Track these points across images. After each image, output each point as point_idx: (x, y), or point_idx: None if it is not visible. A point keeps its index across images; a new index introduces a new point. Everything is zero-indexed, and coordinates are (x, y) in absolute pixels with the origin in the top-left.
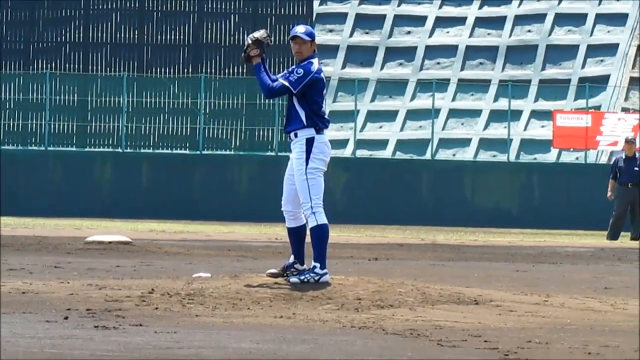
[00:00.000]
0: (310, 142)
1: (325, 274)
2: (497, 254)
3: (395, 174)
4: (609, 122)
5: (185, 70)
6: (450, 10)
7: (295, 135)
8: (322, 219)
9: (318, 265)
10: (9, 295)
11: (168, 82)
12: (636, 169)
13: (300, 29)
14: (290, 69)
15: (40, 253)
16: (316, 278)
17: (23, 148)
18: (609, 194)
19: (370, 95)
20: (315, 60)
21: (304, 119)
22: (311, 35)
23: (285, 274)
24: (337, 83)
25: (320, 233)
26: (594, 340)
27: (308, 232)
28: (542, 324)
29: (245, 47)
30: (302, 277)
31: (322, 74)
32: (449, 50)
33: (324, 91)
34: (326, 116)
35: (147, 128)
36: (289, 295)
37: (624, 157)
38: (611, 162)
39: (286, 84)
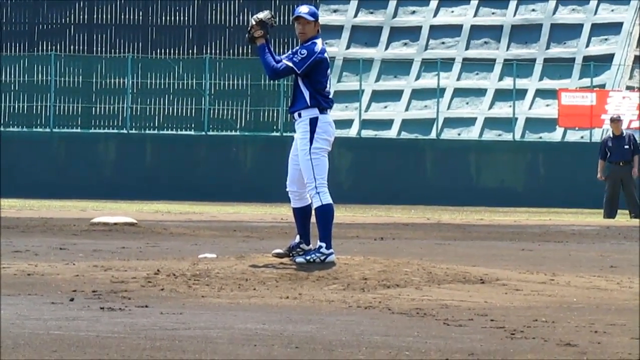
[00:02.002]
0: (314, 122)
1: (331, 253)
2: (503, 233)
3: (400, 154)
4: (613, 101)
5: (190, 51)
6: None
7: (299, 116)
8: (327, 199)
9: (324, 245)
10: (14, 277)
11: (172, 63)
12: (626, 147)
13: (303, 9)
14: (294, 50)
15: (46, 235)
16: (322, 258)
17: (28, 130)
18: (598, 175)
19: (375, 75)
20: (319, 41)
21: (307, 99)
22: (315, 16)
23: (291, 254)
24: (342, 63)
25: (325, 213)
26: (600, 318)
27: (313, 212)
28: (548, 302)
29: (249, 28)
30: (308, 257)
31: (325, 54)
32: (454, 30)
33: (328, 71)
34: (330, 96)
35: (152, 109)
36: (295, 275)
37: (612, 136)
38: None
39: (290, 64)
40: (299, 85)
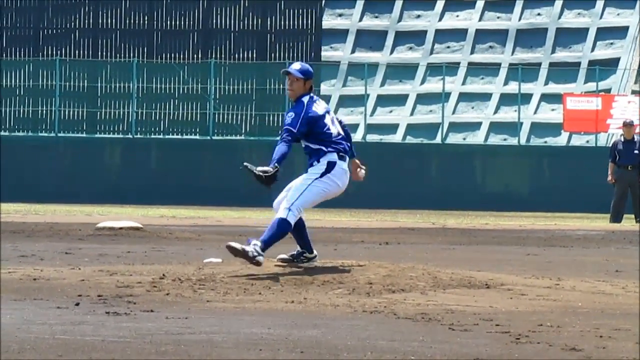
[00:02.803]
0: (331, 165)
1: (261, 255)
2: (508, 237)
3: (405, 158)
4: (619, 105)
5: (195, 55)
6: None
7: (318, 162)
8: (292, 219)
9: (259, 244)
10: (20, 282)
11: (178, 68)
12: (636, 151)
13: (295, 66)
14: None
15: (51, 239)
16: (255, 254)
17: (33, 134)
18: (609, 177)
19: (380, 80)
20: (305, 99)
21: (324, 148)
22: (305, 74)
23: (295, 261)
24: (347, 67)
25: (282, 226)
26: (606, 323)
27: (275, 218)
28: (553, 307)
29: (264, 177)
30: (247, 249)
31: (314, 105)
32: (459, 34)
33: (327, 119)
34: (344, 142)
35: (157, 114)
36: (300, 280)
37: (622, 140)
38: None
39: (286, 128)
40: (308, 145)
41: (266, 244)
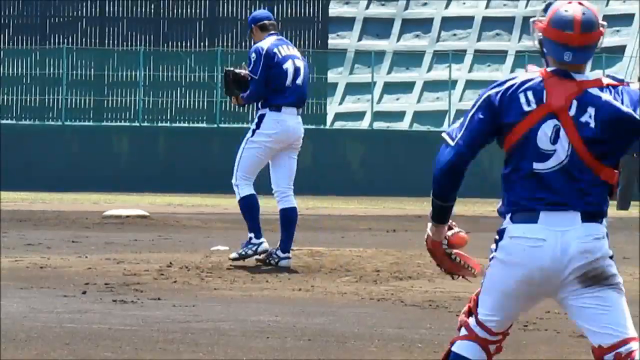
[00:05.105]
0: (260, 118)
1: (261, 243)
2: None
3: (412, 146)
4: None
5: (202, 44)
6: None
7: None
8: (245, 191)
9: (252, 235)
10: (27, 270)
11: (185, 56)
12: None
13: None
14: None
15: (58, 228)
16: (253, 249)
17: (40, 123)
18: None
19: (387, 67)
20: (264, 41)
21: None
22: (251, 21)
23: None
24: (354, 55)
25: (246, 204)
26: None
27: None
28: None
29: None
30: (240, 252)
31: (276, 49)
32: (466, 22)
33: (286, 66)
34: (293, 92)
35: (164, 102)
36: (307, 267)
37: None
38: None
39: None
40: None
41: (254, 229)
